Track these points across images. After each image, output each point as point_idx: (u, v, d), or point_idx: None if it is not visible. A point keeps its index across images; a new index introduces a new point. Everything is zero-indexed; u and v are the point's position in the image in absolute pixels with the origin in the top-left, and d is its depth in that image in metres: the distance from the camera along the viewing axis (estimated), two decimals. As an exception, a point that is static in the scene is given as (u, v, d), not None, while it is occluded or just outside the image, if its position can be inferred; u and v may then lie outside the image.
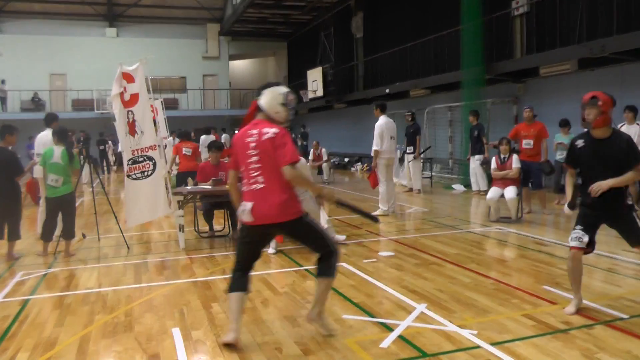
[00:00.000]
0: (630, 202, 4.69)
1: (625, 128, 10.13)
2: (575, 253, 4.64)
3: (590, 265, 6.41)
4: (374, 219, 4.70)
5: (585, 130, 4.62)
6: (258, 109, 4.13)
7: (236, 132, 4.57)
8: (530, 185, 10.26)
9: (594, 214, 4.62)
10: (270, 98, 4.07)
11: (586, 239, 4.57)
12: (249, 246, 4.21)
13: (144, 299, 5.49)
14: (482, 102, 14.66)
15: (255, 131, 4.01)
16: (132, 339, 4.41)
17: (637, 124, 9.92)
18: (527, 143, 10.16)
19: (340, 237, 7.95)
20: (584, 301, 4.89)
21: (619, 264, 6.33)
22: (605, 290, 5.37)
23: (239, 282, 4.15)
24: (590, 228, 4.63)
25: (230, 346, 4.08)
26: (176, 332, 4.48)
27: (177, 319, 4.82)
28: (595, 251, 6.93)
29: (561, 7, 12.99)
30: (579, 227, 4.63)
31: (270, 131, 3.94)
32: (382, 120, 10.41)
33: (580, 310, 4.72)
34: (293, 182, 3.96)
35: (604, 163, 4.49)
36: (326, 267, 4.16)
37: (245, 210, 3.98)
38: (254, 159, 3.96)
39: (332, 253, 4.17)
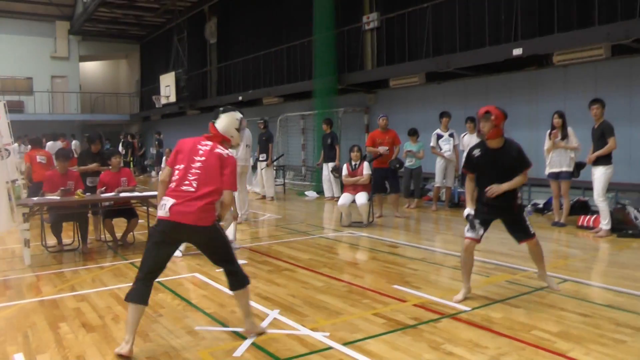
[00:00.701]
0: (520, 202, 5.17)
1: (467, 137, 10.80)
2: (470, 243, 5.06)
3: (437, 263, 6.70)
4: None
5: (481, 140, 5.09)
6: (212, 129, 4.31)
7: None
8: (387, 190, 10.50)
9: (489, 211, 5.08)
10: (228, 122, 4.30)
11: (482, 232, 5.04)
12: (157, 248, 4.06)
13: (-18, 324, 4.79)
14: (334, 110, 14.96)
15: (208, 143, 4.20)
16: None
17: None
18: (382, 149, 10.41)
19: (235, 246, 7.63)
20: (431, 297, 5.10)
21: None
22: (451, 286, 5.55)
23: (139, 293, 4.01)
24: (484, 223, 5.07)
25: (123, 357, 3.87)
26: (19, 358, 3.97)
27: (21, 344, 4.27)
28: (441, 250, 7.39)
29: (409, 24, 13.65)
30: (476, 221, 5.03)
31: (224, 151, 4.17)
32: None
33: (428, 306, 4.88)
34: (225, 203, 4.17)
35: (498, 169, 4.99)
36: (238, 279, 4.26)
37: (165, 205, 3.99)
38: (198, 164, 4.08)
39: (236, 265, 4.28)
